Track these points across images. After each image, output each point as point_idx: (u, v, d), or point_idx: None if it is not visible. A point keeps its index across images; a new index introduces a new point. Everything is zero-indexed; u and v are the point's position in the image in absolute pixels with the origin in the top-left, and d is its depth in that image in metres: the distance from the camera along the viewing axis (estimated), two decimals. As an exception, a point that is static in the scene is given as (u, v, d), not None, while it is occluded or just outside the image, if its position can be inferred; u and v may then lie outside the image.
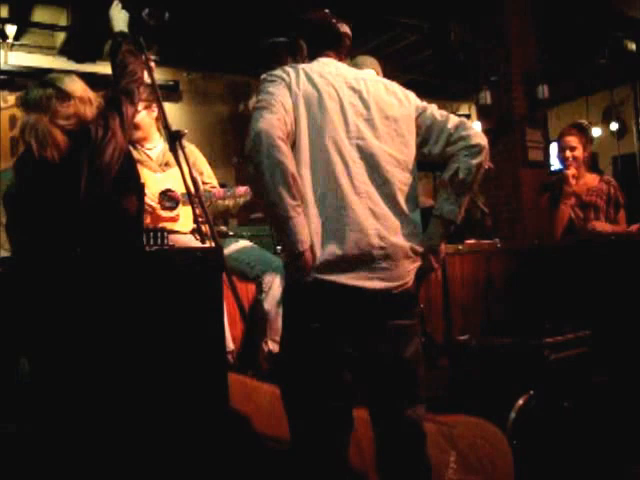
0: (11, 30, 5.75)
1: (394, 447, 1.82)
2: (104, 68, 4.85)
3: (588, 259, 3.30)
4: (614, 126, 8.21)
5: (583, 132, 3.77)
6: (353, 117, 1.80)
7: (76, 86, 2.20)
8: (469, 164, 1.83)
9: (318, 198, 1.73)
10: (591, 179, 3.74)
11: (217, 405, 2.01)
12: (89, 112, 2.18)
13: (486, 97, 5.67)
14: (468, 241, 4.02)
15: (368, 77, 1.93)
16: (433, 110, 1.93)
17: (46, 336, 1.96)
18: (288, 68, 1.84)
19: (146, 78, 2.48)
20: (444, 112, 1.95)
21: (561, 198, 3.59)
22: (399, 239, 1.77)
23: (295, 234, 1.65)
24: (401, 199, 1.81)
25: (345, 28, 1.99)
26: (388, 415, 1.82)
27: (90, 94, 2.23)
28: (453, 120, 1.90)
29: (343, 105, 1.80)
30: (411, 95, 1.96)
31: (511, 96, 5.62)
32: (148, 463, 1.88)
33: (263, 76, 1.85)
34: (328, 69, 1.88)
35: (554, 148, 5.99)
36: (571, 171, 3.62)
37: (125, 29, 2.39)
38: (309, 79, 1.81)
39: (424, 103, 1.97)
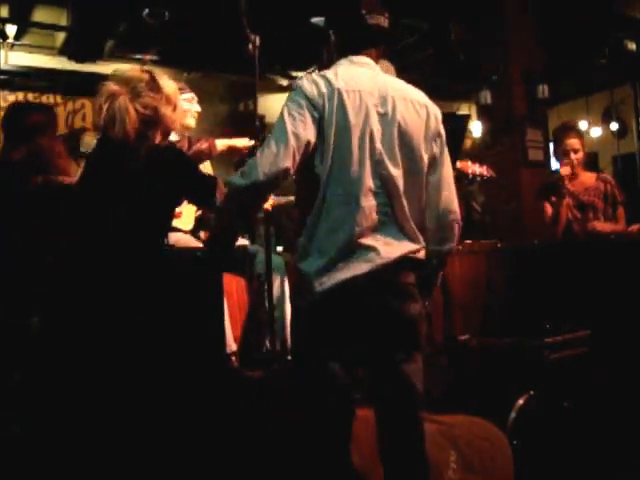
0: (11, 30, 5.73)
1: (391, 415, 1.78)
2: (104, 68, 4.86)
3: (588, 259, 3.30)
4: (614, 126, 8.20)
5: (580, 133, 3.80)
6: (378, 144, 1.76)
7: (170, 87, 2.17)
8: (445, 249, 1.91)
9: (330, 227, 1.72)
10: (588, 178, 3.75)
11: (216, 404, 2.02)
12: (168, 115, 2.14)
13: (486, 97, 5.67)
14: (468, 241, 4.01)
15: (397, 94, 1.83)
16: (442, 168, 1.89)
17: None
18: (320, 80, 1.76)
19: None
20: (448, 180, 1.90)
21: (559, 198, 3.61)
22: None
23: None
24: (412, 225, 1.81)
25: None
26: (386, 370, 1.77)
27: (178, 103, 2.20)
28: (445, 201, 1.88)
29: (370, 127, 1.76)
30: (436, 120, 1.89)
31: (511, 96, 5.62)
32: (148, 462, 1.88)
33: (297, 83, 1.78)
34: (362, 80, 1.81)
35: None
36: (565, 171, 3.63)
37: None
38: (340, 98, 1.74)
39: (442, 144, 1.90)
